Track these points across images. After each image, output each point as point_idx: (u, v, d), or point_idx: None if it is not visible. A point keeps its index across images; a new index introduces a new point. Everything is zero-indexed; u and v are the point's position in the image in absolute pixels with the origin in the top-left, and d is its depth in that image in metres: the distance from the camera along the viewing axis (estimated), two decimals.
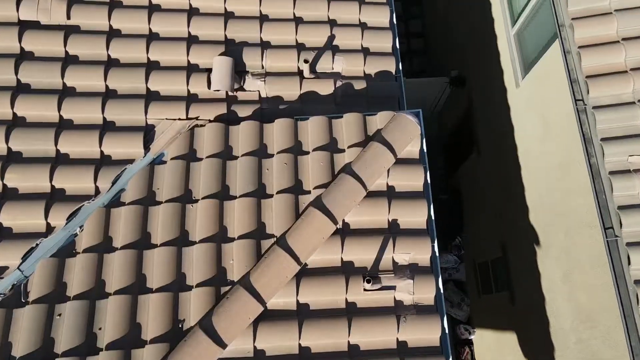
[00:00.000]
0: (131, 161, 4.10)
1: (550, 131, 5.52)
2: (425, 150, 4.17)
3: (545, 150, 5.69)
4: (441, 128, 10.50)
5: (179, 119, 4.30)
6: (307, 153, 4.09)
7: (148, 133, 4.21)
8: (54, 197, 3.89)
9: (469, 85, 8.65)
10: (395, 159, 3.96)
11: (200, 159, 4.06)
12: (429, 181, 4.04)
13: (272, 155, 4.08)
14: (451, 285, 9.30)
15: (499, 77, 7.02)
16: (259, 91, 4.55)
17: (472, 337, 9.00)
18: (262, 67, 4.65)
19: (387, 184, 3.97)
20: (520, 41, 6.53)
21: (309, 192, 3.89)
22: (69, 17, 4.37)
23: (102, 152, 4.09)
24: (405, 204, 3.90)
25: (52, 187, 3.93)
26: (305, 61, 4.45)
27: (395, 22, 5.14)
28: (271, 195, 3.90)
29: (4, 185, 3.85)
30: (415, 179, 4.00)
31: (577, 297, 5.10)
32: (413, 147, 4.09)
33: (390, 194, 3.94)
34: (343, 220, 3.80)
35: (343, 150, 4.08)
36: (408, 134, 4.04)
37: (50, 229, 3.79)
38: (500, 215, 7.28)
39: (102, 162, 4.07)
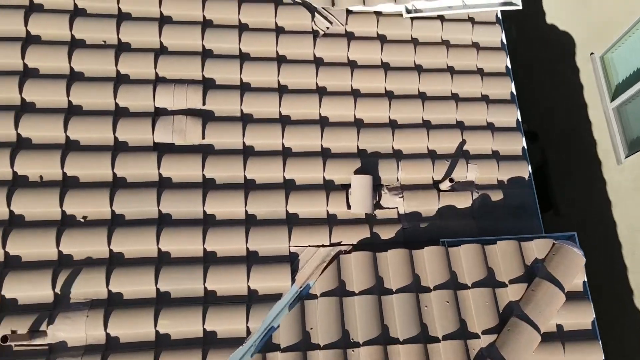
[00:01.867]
0: (279, 296, 3.88)
1: None
2: (586, 281, 3.98)
3: None
4: None
5: (323, 246, 4.09)
6: (465, 286, 3.88)
7: (293, 262, 3.99)
8: (207, 343, 3.67)
9: (543, 143, 8.45)
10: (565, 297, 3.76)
11: (352, 293, 3.85)
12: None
13: (427, 289, 3.88)
14: None
15: (589, 147, 6.82)
16: (397, 208, 4.33)
17: None
18: (397, 180, 4.43)
19: (555, 324, 3.77)
20: (621, 116, 6.33)
21: (477, 336, 3.68)
22: (203, 137, 4.14)
23: (249, 287, 3.88)
24: (577, 348, 3.69)
25: (204, 330, 3.71)
26: (451, 180, 4.23)
27: (520, 120, 4.94)
28: (436, 339, 3.69)
29: (156, 332, 3.63)
30: (583, 316, 3.80)
31: None
32: (577, 280, 3.89)
33: (562, 335, 3.74)
34: None
35: (503, 284, 3.88)
36: (574, 268, 3.84)
37: None
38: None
39: (250, 298, 3.85)
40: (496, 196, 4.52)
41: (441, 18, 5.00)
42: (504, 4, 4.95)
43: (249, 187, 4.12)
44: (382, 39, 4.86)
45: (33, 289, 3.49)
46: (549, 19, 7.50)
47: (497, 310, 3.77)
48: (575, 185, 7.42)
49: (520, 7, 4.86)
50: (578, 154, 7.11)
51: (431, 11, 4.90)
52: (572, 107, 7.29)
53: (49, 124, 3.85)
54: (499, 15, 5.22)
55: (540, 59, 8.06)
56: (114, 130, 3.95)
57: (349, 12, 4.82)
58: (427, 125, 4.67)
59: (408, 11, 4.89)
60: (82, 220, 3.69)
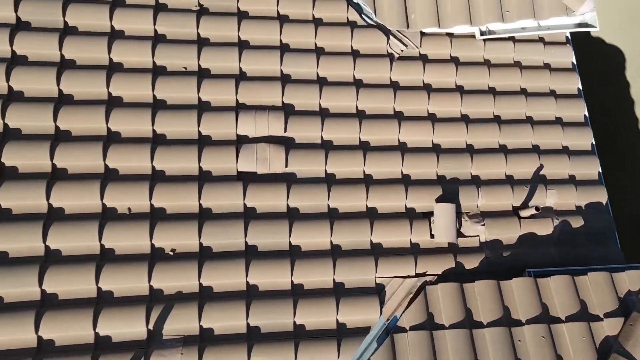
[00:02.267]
0: (367, 329, 3.81)
1: None
2: None
3: None
4: None
5: (408, 276, 4.01)
6: (558, 320, 3.80)
7: (379, 294, 3.92)
8: None
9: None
10: None
11: (441, 326, 3.77)
12: None
13: (519, 322, 3.80)
14: None
15: None
16: (478, 236, 4.25)
17: None
18: (477, 207, 4.35)
19: None
20: None
21: None
22: (286, 165, 4.06)
23: (337, 320, 3.80)
24: None
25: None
26: (537, 209, 4.15)
27: (594, 144, 4.86)
28: None
29: None
30: None
31: None
32: None
33: None
34: None
35: (598, 318, 3.80)
36: None
37: None
38: None
39: (340, 332, 3.77)
40: (575, 222, 4.44)
41: (513, 39, 4.91)
42: (580, 25, 4.86)
43: (332, 216, 4.04)
44: (455, 61, 4.77)
45: (126, 326, 3.42)
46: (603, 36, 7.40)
47: (594, 345, 3.69)
48: None
49: (597, 29, 4.76)
50: None
51: (505, 33, 4.81)
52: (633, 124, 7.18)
53: (135, 154, 3.78)
54: (569, 35, 5.13)
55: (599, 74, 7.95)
56: (199, 160, 3.87)
57: (422, 34, 4.73)
58: (503, 150, 4.59)
59: (482, 33, 4.80)
60: (171, 253, 3.62)
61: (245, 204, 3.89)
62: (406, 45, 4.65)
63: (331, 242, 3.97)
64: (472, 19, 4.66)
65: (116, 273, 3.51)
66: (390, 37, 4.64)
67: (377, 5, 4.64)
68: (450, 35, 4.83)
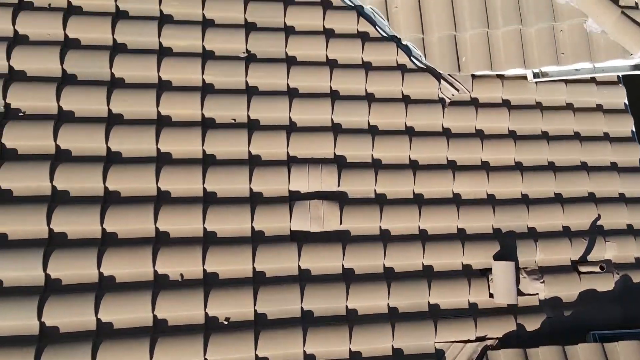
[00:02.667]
0: None
1: None
2: None
3: None
4: None
5: (468, 341, 3.83)
6: None
7: None
8: None
9: None
10: None
11: None
12: None
13: None
14: None
15: None
16: (538, 294, 4.07)
17: None
18: (535, 262, 4.17)
19: None
20: None
21: None
22: (341, 223, 3.87)
23: None
24: None
25: None
26: (602, 268, 3.97)
27: None
28: None
29: None
30: None
31: None
32: None
33: None
34: None
35: None
36: None
37: None
38: None
39: None
40: (636, 277, 4.26)
41: (565, 80, 4.73)
42: (636, 67, 4.67)
43: (389, 277, 3.86)
44: (507, 104, 4.59)
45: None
46: None
47: None
48: None
49: None
50: None
51: (559, 75, 4.62)
52: None
53: (186, 215, 3.59)
54: (620, 75, 4.95)
55: None
56: (252, 219, 3.68)
57: (473, 76, 4.54)
58: (559, 199, 4.40)
59: (535, 75, 4.61)
60: (226, 323, 3.43)
61: (299, 266, 3.71)
62: (458, 90, 4.47)
63: (388, 304, 3.79)
64: (525, 62, 4.47)
65: (171, 345, 3.31)
66: (441, 80, 4.44)
67: (426, 48, 4.44)
68: (500, 77, 4.64)
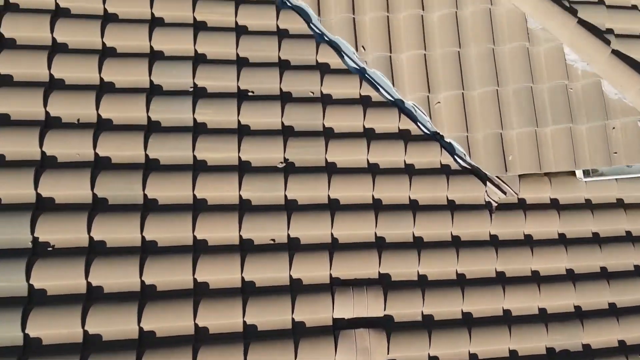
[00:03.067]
0: None
1: None
2: None
3: None
4: None
5: None
6: None
7: None
8: None
9: None
10: None
11: None
12: None
13: None
14: None
15: None
16: None
17: None
18: None
19: None
20: None
21: None
22: (388, 352, 3.61)
23: None
24: None
25: None
26: None
27: None
28: None
29: None
30: None
31: None
32: None
33: None
34: None
35: None
36: None
37: None
38: None
39: None
40: None
41: None
42: None
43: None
44: (555, 204, 4.33)
45: None
46: None
47: None
48: None
49: None
50: None
51: (611, 174, 4.38)
52: None
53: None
54: None
55: None
56: (295, 355, 3.42)
57: (520, 176, 4.29)
58: (613, 310, 4.14)
59: (585, 174, 4.36)
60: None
61: None
62: (505, 193, 4.21)
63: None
64: (576, 162, 4.22)
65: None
66: (487, 183, 4.19)
67: (471, 146, 4.20)
68: (548, 173, 4.39)
